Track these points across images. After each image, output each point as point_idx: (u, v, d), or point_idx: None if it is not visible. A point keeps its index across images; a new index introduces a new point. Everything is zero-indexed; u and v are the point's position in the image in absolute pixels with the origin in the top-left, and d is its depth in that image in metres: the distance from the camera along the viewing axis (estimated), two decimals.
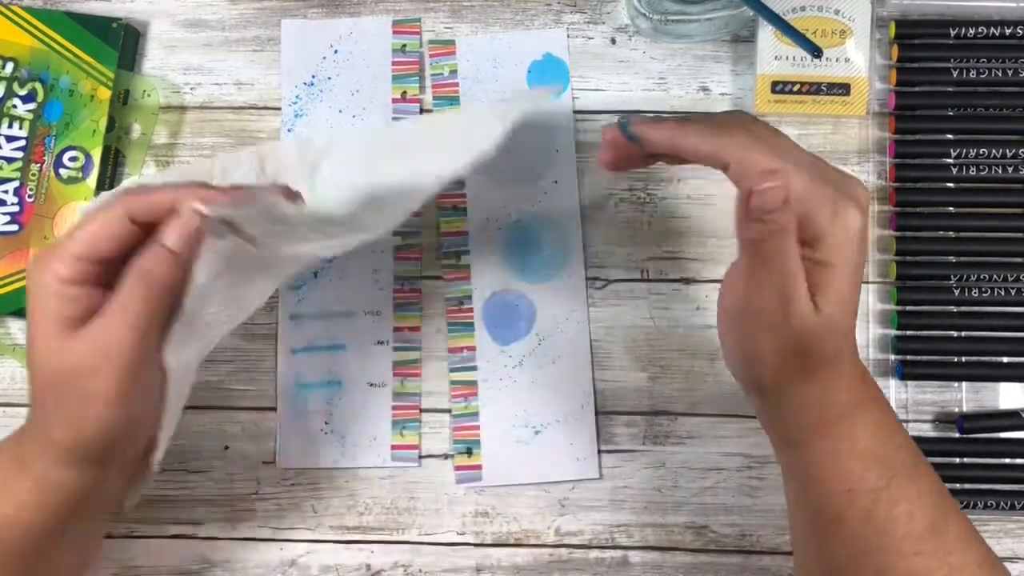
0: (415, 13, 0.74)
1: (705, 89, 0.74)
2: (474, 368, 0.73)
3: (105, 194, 0.58)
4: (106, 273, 0.53)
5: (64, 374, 0.52)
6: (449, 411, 0.72)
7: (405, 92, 0.74)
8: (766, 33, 0.71)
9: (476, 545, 0.72)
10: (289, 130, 0.73)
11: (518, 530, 0.72)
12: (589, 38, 0.74)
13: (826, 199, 0.51)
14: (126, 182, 0.63)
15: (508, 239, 0.73)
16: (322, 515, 0.72)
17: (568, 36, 0.74)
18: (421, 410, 0.72)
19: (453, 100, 0.74)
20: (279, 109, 0.74)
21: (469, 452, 0.72)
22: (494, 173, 0.73)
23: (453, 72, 0.74)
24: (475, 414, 0.72)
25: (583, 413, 0.72)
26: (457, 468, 0.72)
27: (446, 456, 0.72)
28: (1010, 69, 0.71)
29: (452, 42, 0.74)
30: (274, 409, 0.72)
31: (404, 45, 0.74)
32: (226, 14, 0.75)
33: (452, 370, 0.73)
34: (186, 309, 0.55)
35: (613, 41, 0.74)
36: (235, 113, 0.74)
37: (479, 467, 0.72)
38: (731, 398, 0.71)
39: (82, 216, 0.55)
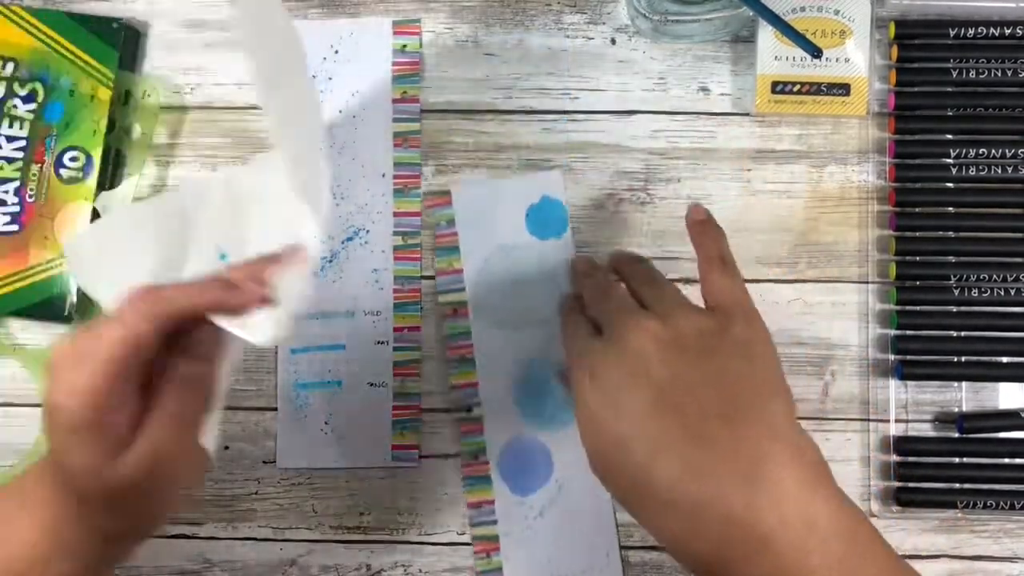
0: (415, 13, 0.74)
1: (705, 89, 0.74)
2: (494, 522, 0.72)
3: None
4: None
5: (117, 493, 0.51)
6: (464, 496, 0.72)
7: (405, 92, 0.74)
8: (766, 33, 0.71)
9: None
10: None
11: None
12: (589, 38, 0.74)
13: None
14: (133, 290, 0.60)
15: (520, 385, 0.72)
16: (322, 515, 0.72)
17: (568, 37, 0.74)
18: (421, 410, 0.72)
19: (453, 250, 0.73)
20: None
21: None
22: (498, 319, 0.72)
23: (450, 222, 0.73)
24: (499, 570, 0.71)
25: (608, 562, 0.71)
26: None
27: (447, 456, 0.72)
28: (1010, 69, 0.71)
29: (447, 192, 0.73)
30: (274, 409, 0.72)
31: (404, 45, 0.74)
32: (226, 14, 0.75)
33: (472, 525, 0.72)
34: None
35: (613, 41, 0.74)
36: (235, 113, 0.74)
37: None
38: None
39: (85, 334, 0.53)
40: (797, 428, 0.53)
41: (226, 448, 0.72)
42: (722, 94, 0.74)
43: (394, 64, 0.74)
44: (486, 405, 0.72)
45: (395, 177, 0.73)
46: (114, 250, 0.66)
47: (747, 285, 0.69)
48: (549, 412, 0.71)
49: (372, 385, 0.72)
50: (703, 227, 0.64)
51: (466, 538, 0.72)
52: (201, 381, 0.54)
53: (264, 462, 0.72)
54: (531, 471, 0.72)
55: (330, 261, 0.73)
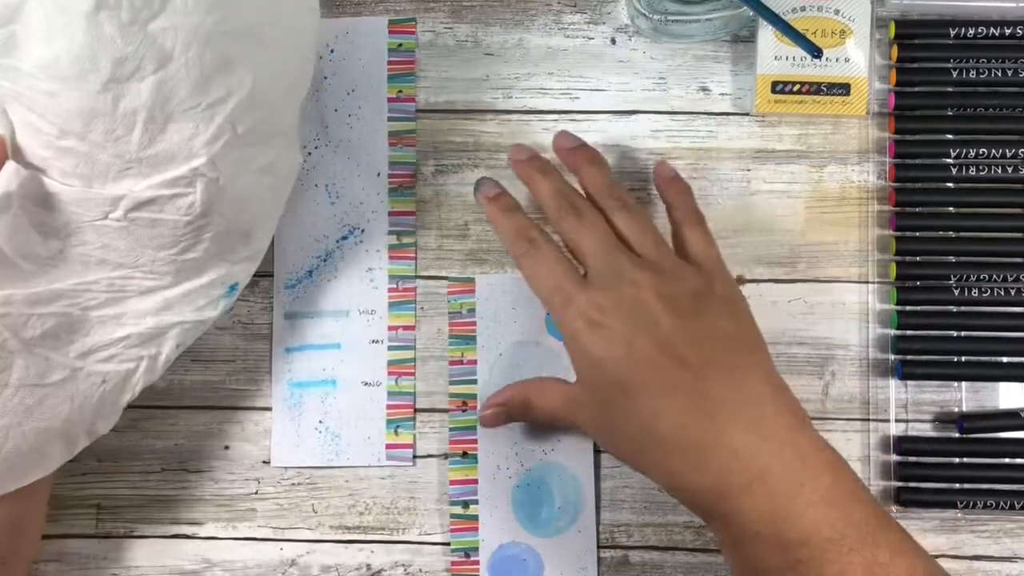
0: (415, 13, 0.74)
1: (705, 89, 0.74)
2: None
3: None
4: None
5: None
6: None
7: (401, 91, 0.74)
8: (766, 33, 0.71)
9: None
10: None
11: None
12: (589, 38, 0.74)
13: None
14: None
15: (519, 488, 0.71)
16: (322, 515, 0.72)
17: (568, 37, 0.74)
18: (416, 409, 0.72)
19: (470, 339, 0.73)
20: None
21: None
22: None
23: (471, 310, 0.73)
24: None
25: None
26: None
27: (445, 456, 0.72)
28: (1010, 69, 0.71)
29: (472, 280, 0.73)
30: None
31: (400, 44, 0.74)
32: None
33: None
34: None
35: (613, 41, 0.74)
36: None
37: None
38: None
39: None
40: (778, 376, 0.59)
41: (226, 448, 0.73)
42: (722, 94, 0.74)
43: (389, 63, 0.74)
44: (483, 504, 0.71)
45: (390, 176, 0.73)
46: None
47: (748, 285, 0.70)
48: (544, 519, 0.71)
49: (366, 384, 0.72)
50: (673, 183, 0.68)
51: None
52: None
53: (264, 462, 0.72)
54: None
55: (324, 260, 0.73)
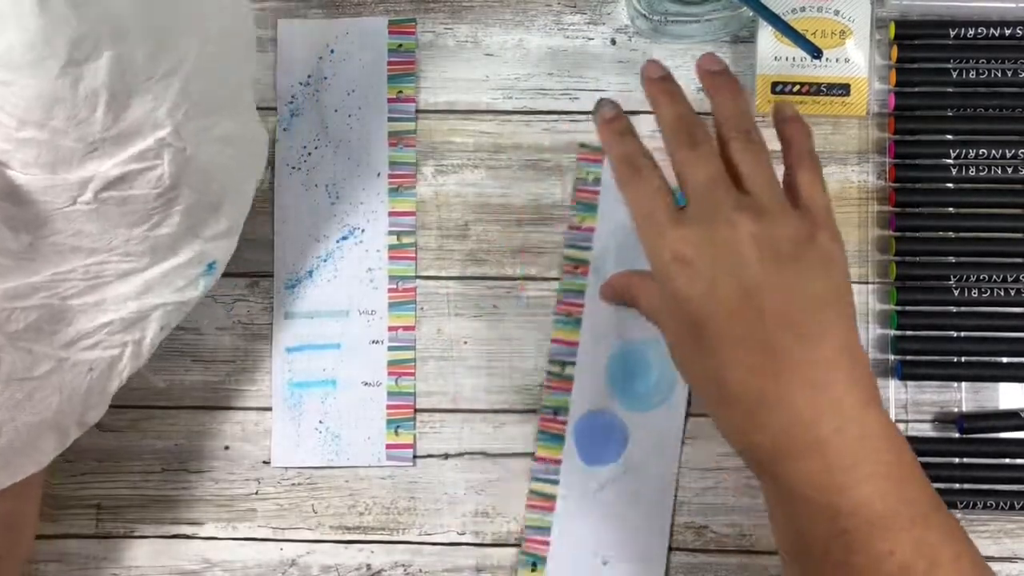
0: (415, 14, 0.74)
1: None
2: (556, 482, 0.71)
3: None
4: None
5: None
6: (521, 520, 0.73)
7: (401, 91, 0.74)
8: (766, 34, 0.71)
9: (476, 545, 0.72)
10: (285, 129, 0.74)
11: (518, 530, 0.72)
12: (589, 39, 0.74)
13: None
14: None
15: (617, 359, 0.72)
16: (322, 515, 0.72)
17: (567, 38, 0.74)
18: (416, 410, 0.72)
19: (592, 207, 0.73)
20: (275, 109, 0.74)
21: (534, 567, 0.71)
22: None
23: (596, 180, 0.73)
24: (547, 529, 0.71)
25: (655, 555, 0.71)
26: None
27: (445, 456, 0.72)
28: (1010, 69, 0.71)
29: (600, 150, 0.73)
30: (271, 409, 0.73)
31: (400, 45, 0.74)
32: None
33: (534, 479, 0.72)
34: None
35: (613, 42, 0.74)
36: None
37: None
38: None
39: None
40: (859, 347, 0.56)
41: (226, 448, 0.73)
42: None
43: (389, 63, 0.74)
44: (579, 368, 0.72)
45: (390, 176, 0.73)
46: None
47: None
48: (638, 393, 0.71)
49: (366, 384, 0.72)
50: (793, 121, 0.64)
51: (466, 538, 0.72)
52: None
53: (264, 462, 0.72)
54: (604, 444, 0.71)
55: (325, 260, 0.73)
